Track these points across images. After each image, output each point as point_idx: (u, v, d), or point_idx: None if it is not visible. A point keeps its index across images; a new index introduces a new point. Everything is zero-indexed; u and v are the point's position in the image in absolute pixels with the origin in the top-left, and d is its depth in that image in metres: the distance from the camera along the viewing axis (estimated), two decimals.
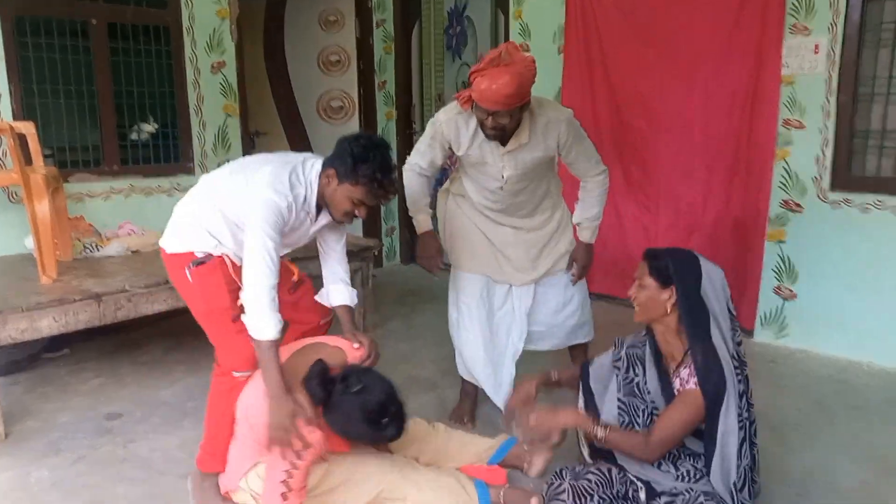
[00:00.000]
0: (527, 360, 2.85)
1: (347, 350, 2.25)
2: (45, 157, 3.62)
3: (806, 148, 3.44)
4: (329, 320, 2.51)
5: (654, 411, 2.05)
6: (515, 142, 2.45)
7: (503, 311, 2.79)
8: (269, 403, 1.97)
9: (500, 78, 2.19)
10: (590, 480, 2.08)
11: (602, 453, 2.14)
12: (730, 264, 3.76)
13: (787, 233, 3.55)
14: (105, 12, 4.04)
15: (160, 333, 3.84)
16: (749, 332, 3.72)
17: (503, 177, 2.54)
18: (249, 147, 4.88)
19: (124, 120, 4.26)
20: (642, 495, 2.05)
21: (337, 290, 2.41)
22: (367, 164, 2.02)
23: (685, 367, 1.98)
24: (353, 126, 5.42)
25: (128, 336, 3.86)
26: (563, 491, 2.07)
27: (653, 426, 1.98)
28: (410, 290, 4.90)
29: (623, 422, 2.07)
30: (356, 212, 2.13)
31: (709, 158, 3.77)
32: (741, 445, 1.89)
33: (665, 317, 2.00)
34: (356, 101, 5.39)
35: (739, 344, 2.01)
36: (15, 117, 3.71)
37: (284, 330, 2.13)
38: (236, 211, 2.12)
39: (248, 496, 2.11)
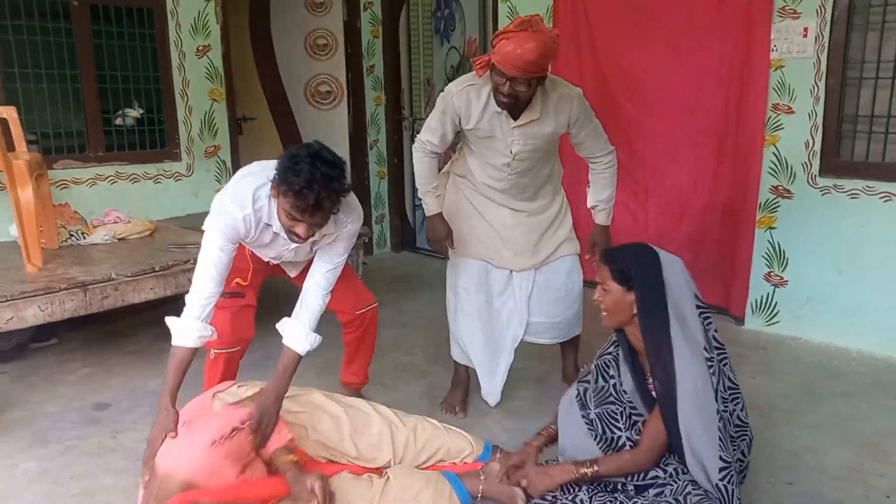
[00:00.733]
0: (520, 355, 2.85)
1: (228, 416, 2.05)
2: (29, 143, 3.57)
3: (795, 133, 3.43)
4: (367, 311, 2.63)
5: (633, 411, 2.01)
6: (527, 116, 2.43)
7: (503, 297, 2.77)
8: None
9: (526, 43, 2.17)
10: None
11: None
12: (720, 251, 3.79)
13: (777, 219, 3.55)
14: None
15: (147, 322, 3.81)
16: (740, 320, 3.73)
17: (511, 152, 2.51)
18: (237, 133, 4.83)
19: (109, 105, 4.19)
20: (631, 486, 2.06)
21: (292, 329, 2.20)
22: (294, 174, 1.88)
23: None
24: (341, 111, 5.38)
25: (115, 326, 3.83)
26: None
27: (642, 435, 1.96)
28: (400, 278, 4.89)
29: (595, 435, 2.02)
30: (295, 229, 1.98)
31: (698, 143, 3.76)
32: (721, 441, 1.84)
33: (634, 317, 1.95)
34: (344, 85, 5.33)
35: (714, 330, 1.97)
36: None
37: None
38: None
39: None
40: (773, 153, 3.51)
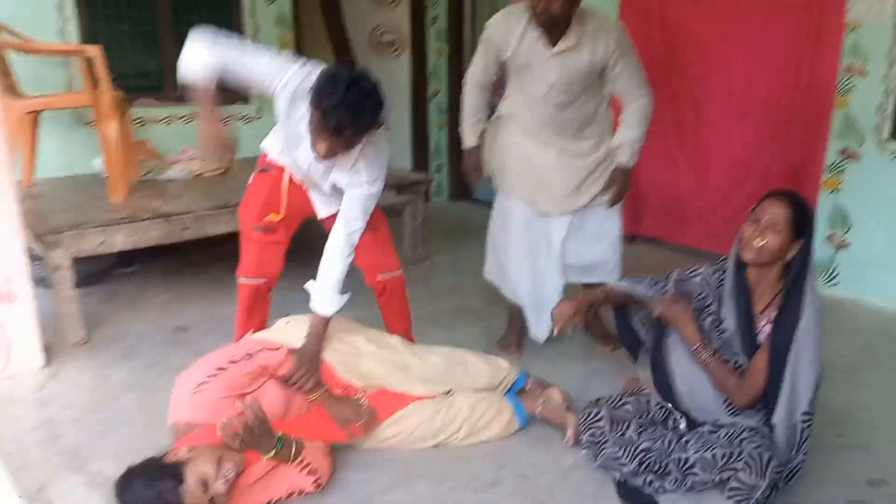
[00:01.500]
0: None
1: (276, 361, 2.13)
2: (111, 82, 3.74)
3: (867, 96, 3.37)
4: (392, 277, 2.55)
5: (731, 351, 2.05)
6: (563, 44, 2.46)
7: (542, 240, 2.81)
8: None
9: None
10: (627, 410, 2.17)
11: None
12: None
13: (842, 182, 3.52)
14: None
15: (223, 255, 3.99)
16: None
17: (549, 82, 2.54)
18: None
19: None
20: (683, 424, 2.12)
21: (316, 293, 2.23)
22: (327, 94, 1.91)
23: (773, 311, 1.98)
24: (403, 62, 5.43)
25: (190, 258, 4.02)
26: (601, 419, 2.13)
27: (747, 372, 1.99)
28: (458, 226, 4.99)
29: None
30: (317, 145, 2.02)
31: (765, 103, 3.72)
32: (817, 385, 1.93)
33: (778, 262, 1.97)
34: (408, 35, 5.37)
35: None
36: (81, 42, 3.82)
37: None
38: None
39: None
40: (843, 115, 3.46)
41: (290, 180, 2.41)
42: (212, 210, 3.21)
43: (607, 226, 2.82)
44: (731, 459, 1.86)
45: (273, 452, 1.88)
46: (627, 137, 2.68)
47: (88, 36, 3.88)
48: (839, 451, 2.25)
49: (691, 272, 2.22)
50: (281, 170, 2.41)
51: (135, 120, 4.03)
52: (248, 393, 2.02)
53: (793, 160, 3.68)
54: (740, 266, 2.05)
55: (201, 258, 4.02)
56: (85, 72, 3.29)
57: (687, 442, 2.01)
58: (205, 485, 1.72)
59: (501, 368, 2.39)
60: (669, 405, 2.16)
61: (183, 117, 4.28)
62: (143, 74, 4.23)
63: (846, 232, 3.56)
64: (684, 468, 1.96)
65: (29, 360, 2.64)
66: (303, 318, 2.29)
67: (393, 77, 5.42)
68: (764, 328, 2.00)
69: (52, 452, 2.14)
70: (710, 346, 2.05)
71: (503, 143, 2.79)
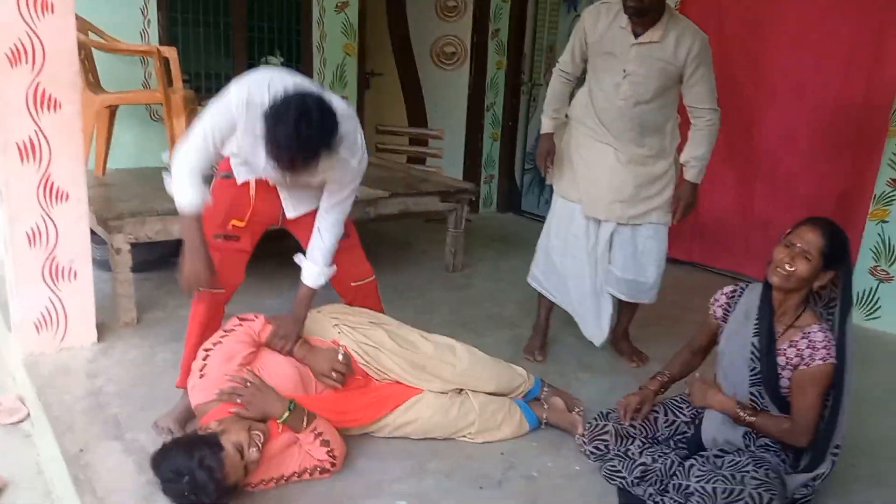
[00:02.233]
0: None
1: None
2: (184, 81, 4.01)
3: None
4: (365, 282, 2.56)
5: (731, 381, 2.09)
6: (648, 36, 2.54)
7: (588, 245, 2.84)
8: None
9: None
10: (634, 425, 2.21)
11: None
12: None
13: (890, 213, 3.44)
14: None
15: (272, 251, 4.19)
16: None
17: (625, 71, 2.59)
18: (364, 87, 5.14)
19: (254, 52, 4.61)
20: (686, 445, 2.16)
21: (306, 265, 2.32)
22: (274, 132, 1.84)
23: (797, 334, 1.99)
24: (463, 73, 5.56)
25: None
26: (606, 432, 2.18)
27: (794, 412, 1.99)
28: (502, 237, 5.07)
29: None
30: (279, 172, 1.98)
31: (816, 130, 3.67)
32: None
33: (804, 289, 1.99)
34: (468, 47, 5.51)
35: None
36: (160, 43, 4.11)
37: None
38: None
39: None
40: None
41: (258, 180, 2.27)
42: None
43: (654, 244, 2.80)
44: (732, 497, 1.85)
45: (286, 414, 2.02)
46: (696, 154, 2.68)
47: (167, 38, 4.17)
48: (850, 483, 2.23)
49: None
50: (239, 182, 2.29)
51: None
52: (247, 364, 2.15)
53: (842, 188, 3.62)
54: (767, 286, 2.05)
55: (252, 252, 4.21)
56: (160, 71, 3.54)
57: (690, 467, 1.98)
58: (241, 451, 1.86)
59: (518, 376, 2.47)
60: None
61: None
62: (215, 75, 4.50)
63: (891, 265, 3.47)
64: (684, 492, 1.94)
65: (83, 335, 2.85)
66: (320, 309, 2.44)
67: (451, 87, 5.57)
68: (786, 351, 1.99)
69: (95, 420, 2.33)
70: (745, 406, 2.05)
71: (564, 145, 2.86)
